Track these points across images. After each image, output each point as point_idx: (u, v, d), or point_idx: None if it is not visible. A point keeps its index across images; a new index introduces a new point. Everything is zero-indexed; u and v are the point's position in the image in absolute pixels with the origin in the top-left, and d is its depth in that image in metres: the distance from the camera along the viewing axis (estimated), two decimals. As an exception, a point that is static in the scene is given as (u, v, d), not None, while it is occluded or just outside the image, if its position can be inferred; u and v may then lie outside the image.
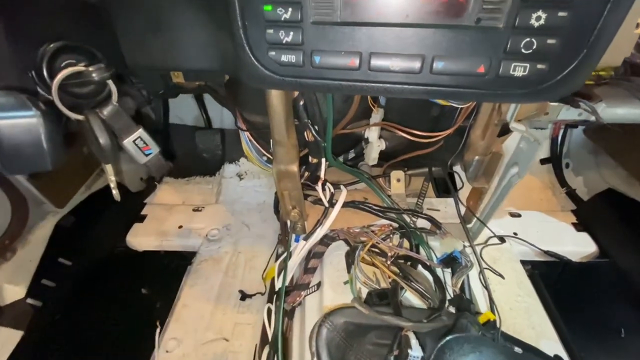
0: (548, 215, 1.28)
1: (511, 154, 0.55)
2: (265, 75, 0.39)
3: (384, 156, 0.72)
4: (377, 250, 0.65)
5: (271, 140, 0.60)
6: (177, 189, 1.37)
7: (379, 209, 0.67)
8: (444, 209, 0.75)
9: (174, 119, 1.36)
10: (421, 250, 0.66)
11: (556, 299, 0.98)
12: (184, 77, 0.53)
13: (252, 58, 0.38)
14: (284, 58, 0.37)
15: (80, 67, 0.37)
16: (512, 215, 1.23)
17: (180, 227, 1.21)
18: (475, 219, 0.66)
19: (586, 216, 1.28)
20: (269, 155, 0.70)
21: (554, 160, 1.41)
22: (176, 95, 1.16)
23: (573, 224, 1.27)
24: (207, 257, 1.12)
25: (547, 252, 1.12)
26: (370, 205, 0.68)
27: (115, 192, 0.50)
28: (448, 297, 0.59)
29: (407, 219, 0.70)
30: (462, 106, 0.53)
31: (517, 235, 1.11)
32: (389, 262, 0.60)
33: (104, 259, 1.15)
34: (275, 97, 0.53)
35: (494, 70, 0.33)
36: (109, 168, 0.45)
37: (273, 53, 0.37)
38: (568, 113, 0.84)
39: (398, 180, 0.76)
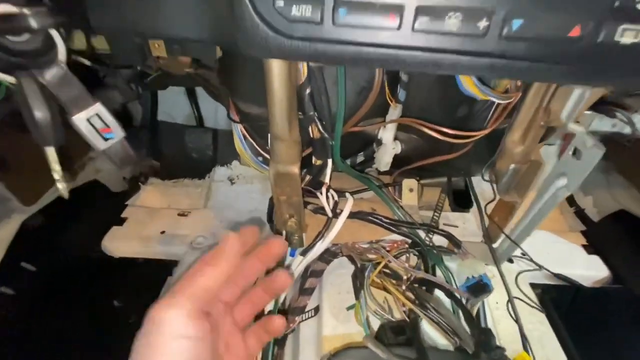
0: (557, 235, 1.19)
1: (553, 164, 0.45)
2: (268, 38, 0.28)
3: (395, 162, 0.61)
4: (387, 270, 0.54)
5: (269, 136, 0.49)
6: (163, 191, 1.24)
7: (391, 222, 0.56)
8: (462, 225, 0.65)
9: (164, 116, 1.25)
10: (437, 272, 0.56)
11: (569, 328, 0.89)
12: (167, 50, 0.42)
13: (252, 12, 0.27)
14: (296, 11, 0.26)
15: (9, 7, 0.25)
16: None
17: (163, 232, 1.08)
18: (500, 238, 0.56)
19: (597, 238, 1.19)
20: (265, 155, 0.59)
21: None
22: (165, 87, 1.05)
23: (583, 245, 1.18)
24: (191, 268, 0.99)
25: (557, 276, 1.02)
26: (380, 217, 0.57)
27: (61, 186, 0.38)
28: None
29: (422, 235, 0.59)
30: (504, 102, 0.43)
31: (525, 256, 1.02)
32: (404, 287, 0.49)
33: (74, 264, 1.01)
34: (278, 80, 0.42)
35: (592, 35, 0.23)
36: (50, 153, 0.34)
37: (281, 3, 0.26)
38: (601, 124, 0.75)
39: (411, 190, 0.65)
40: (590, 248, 1.15)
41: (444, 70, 0.26)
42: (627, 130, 0.60)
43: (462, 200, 0.73)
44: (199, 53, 0.42)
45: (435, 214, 0.62)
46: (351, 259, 0.57)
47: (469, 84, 0.41)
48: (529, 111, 0.43)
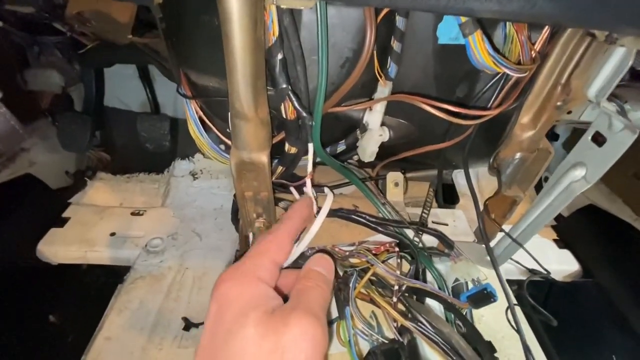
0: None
1: (571, 152, 0.37)
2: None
3: (380, 152, 0.52)
4: (373, 278, 0.45)
5: (229, 114, 0.38)
6: (114, 187, 1.08)
7: (377, 221, 0.47)
8: (453, 223, 0.57)
9: (116, 102, 1.09)
10: (428, 276, 0.47)
11: (545, 323, 0.87)
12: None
13: None
14: None
15: None
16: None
17: (113, 234, 0.93)
18: (497, 238, 0.48)
19: (567, 232, 1.19)
20: (227, 141, 0.48)
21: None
22: (109, 64, 0.89)
23: (554, 240, 1.17)
24: (145, 274, 0.85)
25: (532, 271, 1.00)
26: (364, 215, 0.48)
27: None
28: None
29: (409, 234, 0.50)
30: (520, 74, 0.35)
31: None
32: (395, 299, 0.40)
33: (2, 273, 0.84)
34: (239, 36, 0.31)
35: None
36: None
37: None
38: (593, 113, 0.70)
39: (396, 185, 0.56)
40: (561, 242, 1.14)
41: (480, 13, 0.17)
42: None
43: (446, 195, 0.66)
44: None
45: (425, 211, 0.53)
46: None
47: (482, 52, 0.32)
48: (544, 88, 0.36)
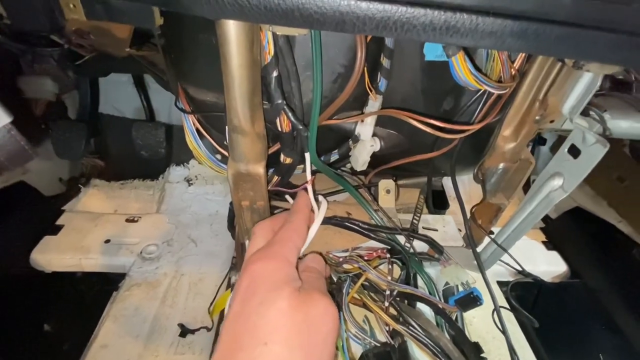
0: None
1: (549, 162, 0.40)
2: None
3: (371, 161, 0.54)
4: (366, 283, 0.47)
5: (227, 128, 0.40)
6: (109, 194, 1.09)
7: (370, 228, 0.49)
8: (442, 229, 0.60)
9: (110, 109, 1.09)
10: (418, 280, 0.49)
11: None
12: (85, 12, 0.31)
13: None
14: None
15: None
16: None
17: (108, 241, 0.93)
18: (484, 243, 0.51)
19: (555, 234, 1.22)
20: (224, 152, 0.50)
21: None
22: (105, 73, 0.90)
23: (543, 242, 1.20)
24: (140, 281, 0.86)
25: (521, 273, 1.03)
26: (358, 223, 0.50)
27: None
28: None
29: (401, 240, 0.53)
30: (500, 92, 0.38)
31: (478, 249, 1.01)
32: (387, 304, 0.42)
33: (-4, 281, 0.84)
34: (237, 55, 0.33)
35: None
36: None
37: None
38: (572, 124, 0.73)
39: (388, 192, 0.58)
40: (550, 244, 1.17)
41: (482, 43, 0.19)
42: (596, 129, 0.57)
43: (436, 201, 0.68)
44: (131, 16, 0.32)
45: (415, 217, 0.56)
46: (324, 271, 0.49)
47: (464, 71, 0.35)
48: (523, 103, 0.38)
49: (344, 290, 0.41)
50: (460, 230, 0.65)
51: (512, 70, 0.38)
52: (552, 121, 0.53)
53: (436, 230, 0.59)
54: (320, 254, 0.44)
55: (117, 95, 1.06)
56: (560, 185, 0.39)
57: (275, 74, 0.38)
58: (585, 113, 0.63)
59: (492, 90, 0.37)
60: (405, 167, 0.57)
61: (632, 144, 1.01)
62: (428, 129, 0.39)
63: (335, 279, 0.44)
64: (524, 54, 0.38)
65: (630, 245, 1.09)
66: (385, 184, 0.60)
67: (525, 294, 1.04)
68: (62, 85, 0.97)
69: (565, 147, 0.38)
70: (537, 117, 0.38)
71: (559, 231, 1.24)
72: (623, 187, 1.06)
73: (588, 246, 1.18)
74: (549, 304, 1.07)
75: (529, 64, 0.38)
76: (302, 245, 0.40)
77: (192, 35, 0.40)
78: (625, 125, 0.59)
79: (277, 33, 0.33)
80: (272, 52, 0.37)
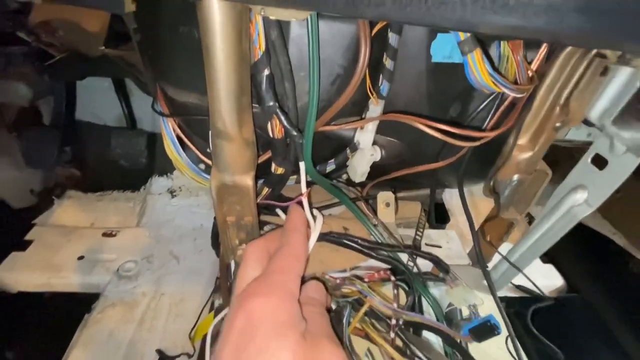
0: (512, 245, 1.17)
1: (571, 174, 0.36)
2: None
3: (371, 172, 0.49)
4: (363, 303, 0.41)
5: (210, 134, 0.35)
6: (85, 206, 1.01)
7: (370, 245, 0.44)
8: (446, 245, 0.55)
9: (90, 116, 1.02)
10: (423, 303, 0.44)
11: (535, 341, 0.86)
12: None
13: None
14: None
15: None
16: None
17: (81, 258, 0.86)
18: (494, 261, 0.46)
19: (551, 247, 1.20)
20: (207, 161, 0.44)
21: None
22: (81, 76, 0.84)
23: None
24: (116, 301, 0.78)
25: (518, 287, 0.99)
26: (356, 240, 0.45)
27: None
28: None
29: (401, 258, 0.48)
30: (518, 95, 0.34)
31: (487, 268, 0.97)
32: (392, 335, 0.37)
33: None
34: (222, 48, 0.28)
35: None
36: None
37: None
38: (577, 133, 0.70)
39: (387, 205, 0.54)
40: (545, 257, 1.14)
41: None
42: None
43: (436, 214, 0.64)
44: (101, 3, 0.26)
45: (418, 232, 0.51)
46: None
47: (482, 72, 0.31)
48: (541, 108, 0.34)
49: (344, 320, 0.36)
50: (464, 247, 0.60)
51: (529, 72, 0.35)
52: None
53: (440, 247, 0.54)
54: (317, 278, 0.38)
55: (97, 102, 1.00)
56: (584, 199, 0.34)
57: (266, 72, 0.33)
58: (621, 118, 0.60)
59: (510, 93, 0.33)
60: (405, 178, 0.52)
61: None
62: (439, 136, 0.34)
63: (333, 306, 0.39)
64: (542, 53, 0.34)
65: (627, 258, 1.07)
66: (385, 197, 0.55)
67: (522, 309, 1.00)
68: (37, 91, 0.90)
69: (588, 157, 0.34)
70: (557, 124, 0.34)
71: (555, 244, 1.21)
72: (617, 198, 1.04)
73: (584, 259, 1.16)
74: (547, 318, 1.04)
75: (548, 64, 0.34)
76: (303, 271, 0.34)
77: (171, 27, 0.35)
78: (627, 135, 0.56)
79: (271, 17, 0.28)
80: (263, 48, 0.32)
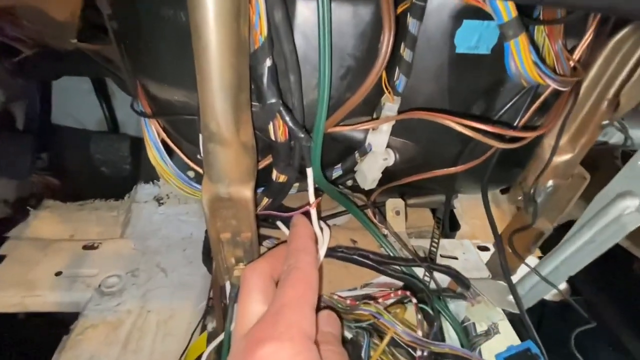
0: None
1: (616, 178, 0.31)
2: None
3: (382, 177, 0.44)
4: (380, 329, 0.36)
5: (200, 137, 0.29)
6: (64, 216, 0.93)
7: (383, 261, 0.39)
8: (462, 256, 0.50)
9: (69, 120, 0.95)
10: (449, 329, 0.39)
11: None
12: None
13: None
14: None
15: None
16: (481, 248, 1.06)
17: (59, 273, 0.79)
18: (519, 274, 0.42)
19: (550, 249, 1.17)
20: (197, 169, 0.38)
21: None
22: (56, 75, 0.76)
23: (539, 257, 1.15)
24: (97, 321, 0.72)
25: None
26: (368, 254, 0.39)
27: None
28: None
29: (416, 273, 0.42)
30: (565, 88, 0.29)
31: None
32: (417, 368, 0.31)
33: None
34: (217, 32, 0.22)
35: None
36: None
37: None
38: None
39: (397, 213, 0.48)
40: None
41: None
42: (615, 139, 0.50)
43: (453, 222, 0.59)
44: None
45: (433, 243, 0.46)
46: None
47: (526, 61, 0.26)
48: (584, 104, 0.29)
49: (362, 354, 0.30)
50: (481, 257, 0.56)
51: (571, 62, 0.30)
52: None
53: (456, 258, 0.50)
54: (329, 307, 0.32)
55: (76, 104, 0.92)
56: (636, 207, 0.30)
57: (268, 63, 0.28)
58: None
59: (556, 87, 0.28)
60: (416, 184, 0.47)
61: (624, 155, 0.98)
62: (479, 137, 0.29)
63: (349, 336, 0.33)
64: (587, 40, 0.29)
65: (630, 259, 1.04)
66: (394, 204, 0.50)
67: (529, 314, 0.97)
68: (9, 93, 0.82)
69: (637, 160, 0.30)
70: (603, 122, 0.29)
71: (554, 246, 1.19)
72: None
73: (585, 261, 1.13)
74: (552, 322, 1.01)
75: (594, 53, 0.30)
76: (317, 302, 0.28)
77: (152, 11, 0.29)
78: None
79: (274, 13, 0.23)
80: (264, 32, 0.26)
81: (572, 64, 0.30)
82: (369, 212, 0.50)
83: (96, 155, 0.74)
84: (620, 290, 1.03)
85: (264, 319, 0.26)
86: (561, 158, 0.33)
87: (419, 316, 0.33)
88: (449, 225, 0.58)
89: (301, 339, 0.24)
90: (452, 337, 0.42)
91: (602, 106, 0.30)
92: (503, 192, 1.25)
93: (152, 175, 0.95)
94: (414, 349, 0.34)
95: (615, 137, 0.58)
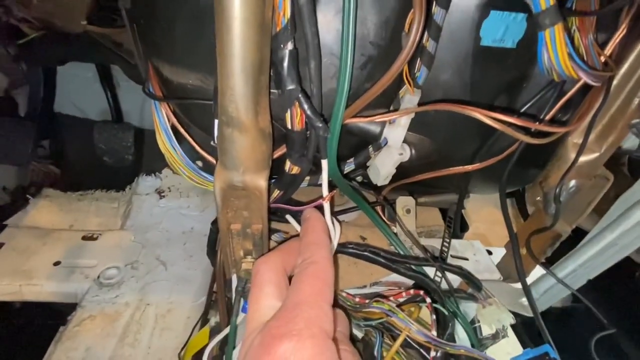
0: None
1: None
2: None
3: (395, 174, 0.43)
4: (395, 329, 0.35)
5: (216, 123, 0.27)
6: (64, 206, 0.91)
7: (395, 259, 0.37)
8: (473, 257, 0.49)
9: (71, 108, 0.93)
10: (457, 330, 0.38)
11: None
12: None
13: None
14: None
15: None
16: (484, 251, 1.05)
17: (57, 263, 0.77)
18: (533, 276, 0.40)
19: (552, 256, 1.16)
20: (208, 157, 0.37)
21: (516, 194, 1.30)
22: (61, 61, 0.74)
23: (542, 263, 1.13)
24: (95, 313, 0.70)
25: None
26: (379, 252, 0.38)
27: None
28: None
29: (427, 273, 0.41)
30: (598, 84, 0.27)
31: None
32: (432, 370, 0.30)
33: None
34: (241, 13, 0.21)
35: None
36: None
37: None
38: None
39: (408, 212, 0.47)
40: (547, 264, 1.11)
41: None
42: (628, 144, 0.49)
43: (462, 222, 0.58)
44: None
45: (445, 243, 0.45)
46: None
47: (560, 53, 0.24)
48: (614, 101, 0.28)
49: (375, 353, 0.29)
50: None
51: (602, 57, 0.29)
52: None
53: (467, 259, 0.49)
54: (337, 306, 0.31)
55: (79, 92, 0.91)
56: (661, 210, 0.29)
57: (290, 47, 0.26)
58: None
59: (591, 82, 0.26)
60: (428, 182, 0.46)
61: (630, 162, 0.97)
62: (509, 130, 0.27)
63: (359, 335, 0.32)
64: (620, 35, 0.28)
65: (632, 266, 1.03)
66: (404, 202, 0.49)
67: (528, 320, 0.96)
68: (13, 79, 0.81)
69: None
70: (634, 121, 0.28)
71: (556, 251, 1.18)
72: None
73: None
74: (553, 328, 1.00)
75: (626, 50, 0.29)
76: (333, 298, 0.27)
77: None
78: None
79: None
80: (287, 14, 0.25)
81: (602, 59, 0.29)
82: (378, 209, 0.48)
83: (99, 144, 0.73)
84: (622, 297, 1.02)
85: (281, 314, 0.24)
86: (586, 157, 0.32)
87: (433, 316, 0.32)
88: (459, 226, 0.57)
89: (321, 336, 0.23)
90: (461, 338, 0.41)
91: (632, 104, 0.29)
92: (508, 195, 1.25)
93: (153, 168, 0.93)
94: (427, 350, 0.32)
95: (628, 142, 0.57)
